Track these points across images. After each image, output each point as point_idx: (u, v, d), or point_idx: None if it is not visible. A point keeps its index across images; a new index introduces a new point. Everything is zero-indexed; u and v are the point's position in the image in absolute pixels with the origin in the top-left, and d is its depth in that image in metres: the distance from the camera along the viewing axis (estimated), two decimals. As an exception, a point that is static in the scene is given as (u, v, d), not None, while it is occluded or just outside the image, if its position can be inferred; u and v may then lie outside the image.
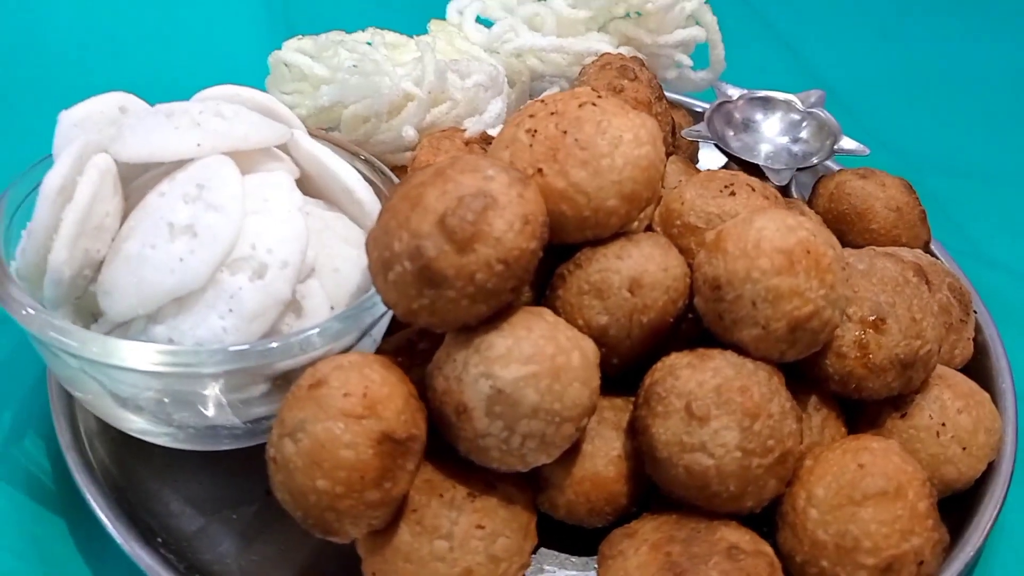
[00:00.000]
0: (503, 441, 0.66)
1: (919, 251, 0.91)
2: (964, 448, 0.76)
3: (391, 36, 0.97)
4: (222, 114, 0.74)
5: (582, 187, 0.70)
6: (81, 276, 0.70)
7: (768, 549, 0.67)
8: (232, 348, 0.66)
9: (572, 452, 0.73)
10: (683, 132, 1.03)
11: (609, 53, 0.97)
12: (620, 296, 0.71)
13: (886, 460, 0.67)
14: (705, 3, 1.07)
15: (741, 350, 0.71)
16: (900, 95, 1.37)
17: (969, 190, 1.20)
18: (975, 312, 0.91)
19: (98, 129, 0.74)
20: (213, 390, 0.69)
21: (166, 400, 0.72)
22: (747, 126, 1.06)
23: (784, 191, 1.05)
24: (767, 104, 1.07)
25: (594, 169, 0.70)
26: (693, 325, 0.76)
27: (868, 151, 1.01)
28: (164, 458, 0.78)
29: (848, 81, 1.33)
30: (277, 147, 0.79)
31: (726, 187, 0.81)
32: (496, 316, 0.68)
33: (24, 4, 1.21)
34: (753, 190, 0.82)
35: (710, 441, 0.66)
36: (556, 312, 0.73)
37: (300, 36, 0.97)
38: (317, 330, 0.69)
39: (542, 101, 0.75)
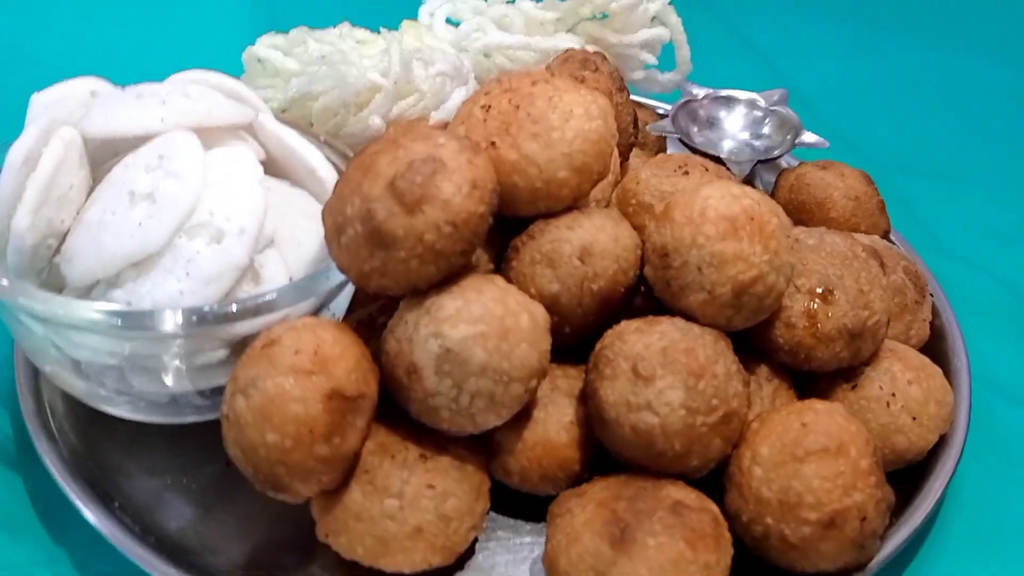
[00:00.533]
0: (452, 400, 0.67)
1: (876, 237, 0.93)
2: (914, 418, 0.77)
3: (361, 32, 1.00)
4: (188, 94, 0.77)
5: (533, 159, 0.73)
6: (45, 246, 0.72)
7: (713, 507, 0.68)
8: (188, 308, 0.67)
9: (525, 418, 0.74)
10: (648, 127, 1.05)
11: (573, 48, 1.00)
12: (571, 264, 0.73)
13: (829, 419, 0.68)
14: (670, 4, 1.10)
15: (689, 317, 0.72)
16: (864, 96, 1.40)
17: (932, 188, 1.22)
18: (931, 295, 0.92)
19: (68, 111, 0.77)
20: (170, 354, 0.71)
21: (125, 367, 0.73)
22: (711, 123, 1.09)
23: (747, 185, 1.07)
24: (730, 102, 1.10)
25: (545, 141, 0.73)
26: (647, 301, 0.78)
27: (828, 144, 1.04)
28: (128, 432, 0.79)
29: (813, 83, 1.37)
30: (244, 131, 0.82)
31: (680, 167, 0.84)
32: (448, 281, 0.69)
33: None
34: (707, 170, 0.84)
35: (655, 400, 0.67)
36: (510, 283, 0.74)
37: (273, 32, 1.00)
38: (274, 294, 0.70)
39: (498, 80, 0.78)
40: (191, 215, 0.70)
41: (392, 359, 0.69)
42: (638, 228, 0.79)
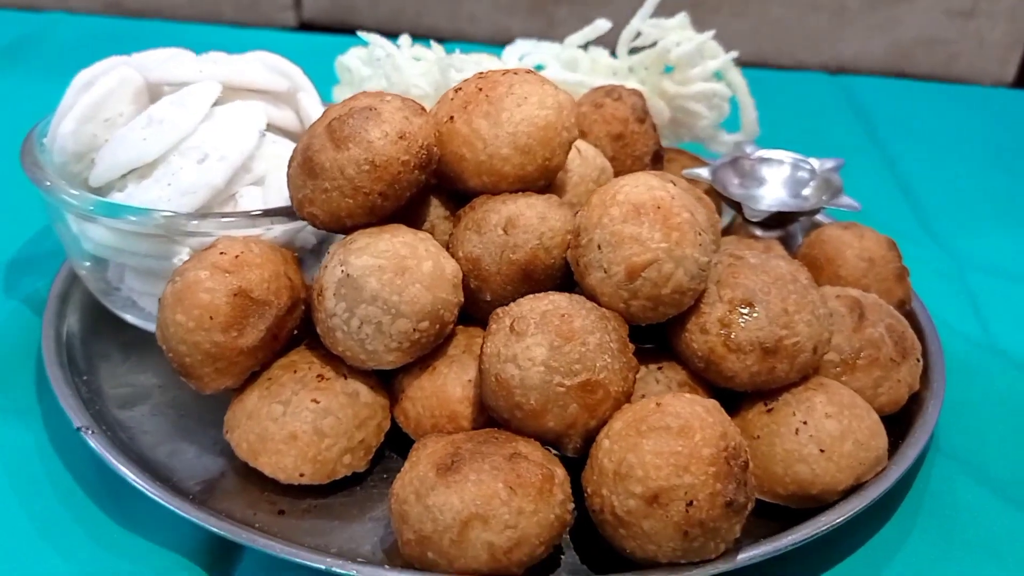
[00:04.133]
0: (345, 322, 0.74)
1: (874, 295, 0.89)
2: (822, 450, 0.74)
3: (418, 49, 1.11)
4: (232, 60, 0.92)
5: (480, 133, 0.79)
6: (88, 158, 0.88)
7: (558, 469, 0.69)
8: (155, 209, 0.79)
9: (429, 369, 0.79)
10: (684, 172, 1.08)
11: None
12: (495, 233, 0.78)
13: (685, 405, 0.68)
14: (735, 66, 1.14)
15: (592, 298, 0.75)
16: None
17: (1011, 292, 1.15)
18: (919, 361, 0.87)
19: (143, 61, 0.93)
20: (152, 252, 0.83)
21: (126, 265, 0.86)
22: (752, 177, 1.09)
23: (785, 241, 1.06)
24: (778, 163, 1.10)
25: (494, 120, 0.79)
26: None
27: (859, 207, 1.01)
28: (124, 352, 0.90)
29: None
30: (289, 106, 0.96)
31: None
32: (375, 225, 0.77)
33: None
34: (673, 184, 0.86)
35: (521, 354, 0.70)
36: (447, 247, 0.81)
37: (359, 46, 1.15)
38: (233, 217, 0.81)
39: (483, 72, 0.86)
40: (186, 139, 0.82)
41: (313, 283, 0.78)
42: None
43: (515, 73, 0.83)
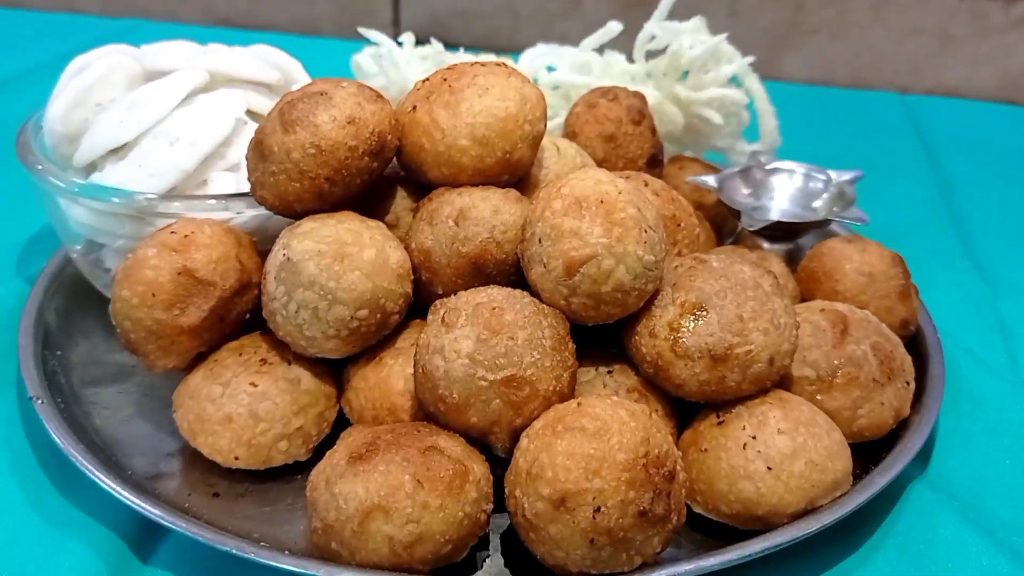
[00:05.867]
0: (283, 306, 0.73)
1: (853, 307, 0.83)
2: (770, 468, 0.69)
3: (423, 49, 1.11)
4: (222, 51, 0.93)
5: (440, 123, 0.78)
6: (78, 141, 0.90)
7: (476, 466, 0.66)
8: (121, 189, 0.81)
9: (376, 361, 0.77)
10: (688, 178, 1.04)
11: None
12: (446, 225, 0.76)
13: (608, 407, 0.64)
14: (752, 72, 1.09)
15: (535, 294, 0.72)
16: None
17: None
18: (909, 384, 0.80)
19: (147, 51, 0.96)
20: (126, 232, 0.84)
21: (106, 246, 0.88)
22: (762, 186, 1.05)
23: (793, 255, 1.01)
24: (791, 173, 1.05)
25: (453, 110, 0.78)
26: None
27: (867, 219, 0.95)
28: (106, 332, 0.91)
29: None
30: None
31: (627, 176, 0.83)
32: (324, 212, 0.77)
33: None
34: (646, 184, 0.83)
35: (448, 346, 0.68)
36: (404, 242, 0.79)
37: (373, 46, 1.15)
38: (205, 199, 0.82)
39: (456, 64, 0.84)
40: (160, 123, 0.84)
41: (263, 268, 0.77)
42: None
43: (482, 65, 0.81)
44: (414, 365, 0.71)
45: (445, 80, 0.80)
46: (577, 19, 1.94)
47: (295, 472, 0.77)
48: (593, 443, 0.62)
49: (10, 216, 1.13)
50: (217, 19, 2.00)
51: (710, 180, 1.03)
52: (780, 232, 1.00)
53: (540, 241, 0.70)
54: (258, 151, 0.76)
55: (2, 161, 1.02)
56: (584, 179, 0.71)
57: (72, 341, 0.90)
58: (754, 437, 0.70)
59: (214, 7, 2.00)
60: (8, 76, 1.60)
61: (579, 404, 0.65)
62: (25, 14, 1.95)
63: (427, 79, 0.82)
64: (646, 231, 0.70)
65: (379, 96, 0.78)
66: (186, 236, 0.76)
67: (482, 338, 0.67)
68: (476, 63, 0.81)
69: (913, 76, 1.81)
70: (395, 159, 0.81)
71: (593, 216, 0.69)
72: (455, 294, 0.73)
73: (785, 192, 1.04)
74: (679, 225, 0.82)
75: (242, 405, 0.74)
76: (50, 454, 0.79)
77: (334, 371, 0.79)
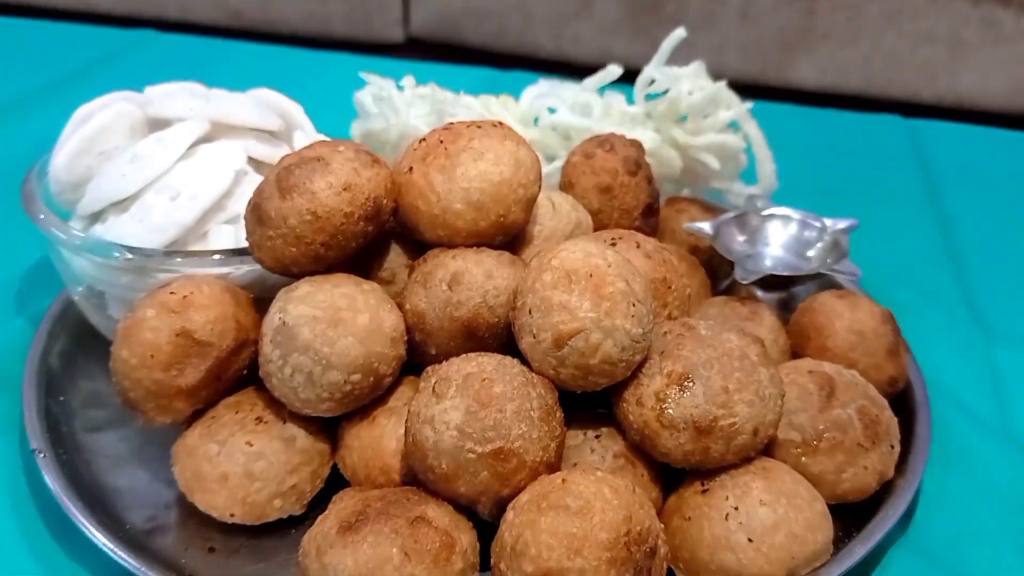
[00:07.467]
0: (279, 369, 0.75)
1: (842, 368, 0.84)
2: (751, 540, 0.70)
3: (422, 89, 1.11)
4: (224, 98, 0.94)
5: (435, 187, 0.79)
6: (83, 189, 0.92)
7: (464, 536, 0.68)
8: (121, 244, 0.82)
9: (370, 420, 0.79)
10: (685, 225, 1.05)
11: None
12: (439, 288, 0.78)
13: (591, 484, 0.65)
14: (751, 117, 1.10)
15: (525, 362, 0.74)
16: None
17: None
18: (893, 448, 0.82)
19: (150, 96, 0.97)
20: (126, 285, 0.86)
21: (108, 295, 0.90)
22: (757, 234, 1.05)
23: (787, 303, 1.03)
24: (786, 220, 1.06)
25: (449, 174, 0.79)
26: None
27: (860, 274, 0.96)
28: (109, 376, 0.93)
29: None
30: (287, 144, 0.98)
31: (613, 240, 0.84)
32: (320, 273, 0.78)
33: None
34: (638, 246, 0.84)
35: (438, 417, 0.69)
36: (399, 300, 0.81)
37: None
38: (203, 255, 0.83)
39: (451, 123, 0.85)
40: (162, 177, 0.85)
41: (260, 328, 0.79)
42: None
43: (479, 126, 0.82)
44: (405, 432, 0.73)
45: (442, 142, 0.81)
46: (588, 20, 1.93)
47: (290, 526, 0.79)
48: (576, 522, 0.63)
49: (16, 249, 1.15)
50: (229, 15, 1.99)
51: (706, 227, 1.04)
52: (774, 281, 1.01)
53: (530, 312, 0.72)
54: (256, 215, 0.77)
55: (9, 195, 1.04)
56: (574, 251, 0.73)
57: (75, 385, 0.92)
58: (736, 508, 0.71)
59: (227, 2, 1.99)
60: (21, 95, 1.60)
61: (563, 480, 0.66)
62: (36, 24, 1.96)
63: (424, 139, 0.83)
64: (634, 304, 0.71)
65: (376, 160, 0.79)
66: (184, 297, 0.77)
67: (471, 410, 0.69)
68: (472, 124, 0.82)
69: (924, 83, 1.79)
70: (392, 217, 0.83)
71: (582, 290, 0.70)
72: (447, 360, 0.74)
73: (779, 239, 1.05)
74: (670, 287, 0.83)
75: (238, 464, 0.76)
76: (51, 505, 0.81)
77: (329, 428, 0.81)
